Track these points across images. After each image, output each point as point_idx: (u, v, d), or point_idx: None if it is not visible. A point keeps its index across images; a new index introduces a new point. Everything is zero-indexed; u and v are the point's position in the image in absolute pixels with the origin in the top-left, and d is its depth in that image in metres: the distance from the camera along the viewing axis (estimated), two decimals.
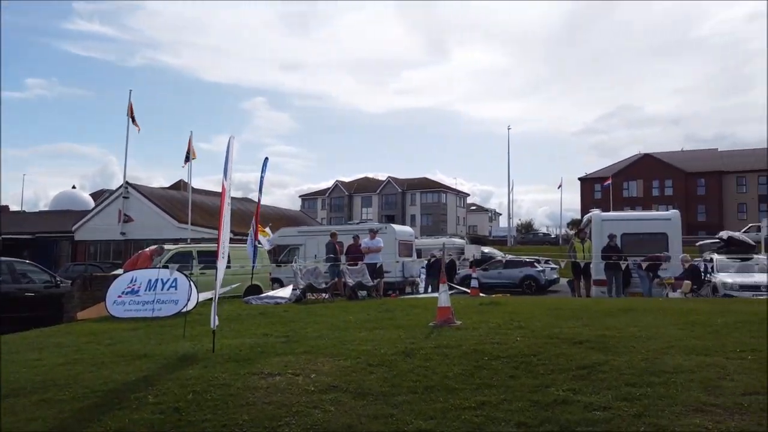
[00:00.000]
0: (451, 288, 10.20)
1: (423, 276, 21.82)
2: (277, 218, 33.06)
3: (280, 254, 22.45)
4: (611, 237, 15.43)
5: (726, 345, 5.85)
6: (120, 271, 14.39)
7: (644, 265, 14.89)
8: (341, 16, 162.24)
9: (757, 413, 4.03)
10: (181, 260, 15.04)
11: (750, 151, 67.54)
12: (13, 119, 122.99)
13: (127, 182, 29.56)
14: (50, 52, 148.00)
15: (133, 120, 25.13)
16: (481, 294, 15.17)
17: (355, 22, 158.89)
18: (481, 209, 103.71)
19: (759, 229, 25.69)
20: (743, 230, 28.37)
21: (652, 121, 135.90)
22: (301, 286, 14.45)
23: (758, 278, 14.54)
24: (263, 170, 17.11)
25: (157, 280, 11.39)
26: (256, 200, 18.68)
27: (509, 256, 29.21)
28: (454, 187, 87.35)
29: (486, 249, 36.35)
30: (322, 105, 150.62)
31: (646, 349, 5.81)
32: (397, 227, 22.82)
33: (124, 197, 29.33)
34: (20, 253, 25.49)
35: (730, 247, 17.26)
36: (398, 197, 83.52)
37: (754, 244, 18.19)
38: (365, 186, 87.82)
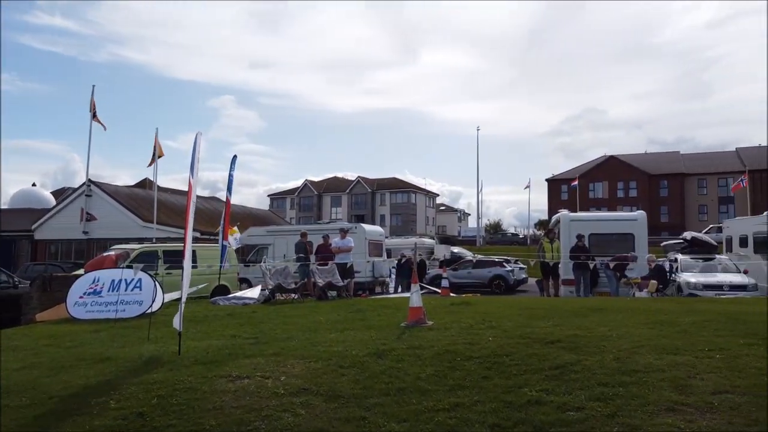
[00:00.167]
0: (421, 288, 10.15)
1: (393, 276, 21.80)
2: (246, 217, 32.59)
3: (248, 254, 22.12)
4: (579, 237, 15.61)
5: (695, 344, 5.91)
6: (81, 271, 13.97)
7: (612, 264, 15.11)
8: (311, 15, 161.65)
9: (728, 412, 4.05)
10: (146, 260, 14.67)
11: (710, 154, 69.76)
12: None
13: (89, 180, 28.75)
14: (10, 46, 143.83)
15: (95, 116, 24.42)
16: (451, 294, 15.17)
17: (325, 21, 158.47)
18: (450, 209, 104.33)
19: (719, 229, 26.38)
20: (704, 231, 29.10)
21: (615, 124, 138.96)
22: (270, 287, 14.24)
23: (720, 278, 14.90)
24: (232, 168, 16.83)
25: (120, 280, 11.08)
26: (224, 199, 18.34)
27: (479, 256, 29.38)
28: (423, 187, 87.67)
29: (455, 249, 36.50)
30: (292, 104, 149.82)
31: (617, 348, 5.84)
32: (367, 227, 22.72)
33: (86, 195, 28.51)
34: None
35: (694, 247, 17.65)
36: (368, 197, 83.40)
37: (716, 244, 18.65)
38: (335, 186, 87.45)
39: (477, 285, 23.88)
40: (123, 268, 11.86)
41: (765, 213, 17.90)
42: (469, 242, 56.16)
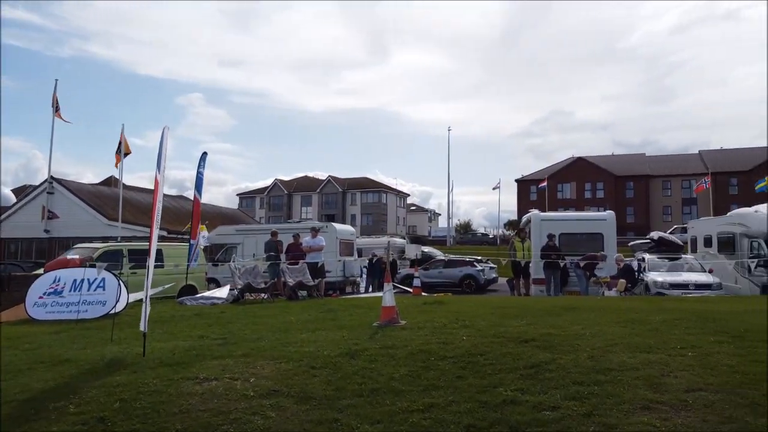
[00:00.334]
0: (394, 287, 10.06)
1: (364, 276, 21.68)
2: (214, 216, 32.07)
3: (217, 253, 21.73)
4: (550, 237, 15.72)
5: (667, 342, 5.93)
6: (41, 271, 13.50)
7: (582, 264, 15.26)
8: (283, 14, 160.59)
9: (702, 410, 4.05)
10: (111, 259, 14.27)
11: (674, 156, 71.48)
12: None
13: (51, 177, 27.91)
14: None
15: (57, 110, 23.69)
16: (423, 293, 15.12)
17: (297, 20, 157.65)
18: (420, 209, 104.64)
19: (684, 230, 26.95)
20: (669, 231, 29.67)
21: (583, 126, 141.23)
22: (239, 286, 13.99)
23: (686, 277, 15.16)
24: (202, 165, 16.43)
25: (83, 280, 10.73)
26: (192, 198, 17.94)
27: (451, 256, 29.44)
28: (394, 187, 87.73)
29: (426, 249, 36.55)
30: (262, 102, 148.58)
31: (591, 347, 5.82)
32: (338, 226, 22.55)
33: (48, 193, 27.65)
34: None
35: (661, 247, 17.94)
36: (338, 197, 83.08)
37: (682, 244, 18.99)
38: (305, 185, 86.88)
39: (448, 284, 23.90)
40: (86, 266, 11.49)
41: (729, 213, 18.32)
42: (439, 242, 56.31)
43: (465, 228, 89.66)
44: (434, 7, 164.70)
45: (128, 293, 11.03)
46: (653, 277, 15.23)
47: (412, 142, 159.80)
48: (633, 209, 64.19)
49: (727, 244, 17.43)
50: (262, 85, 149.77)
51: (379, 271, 19.91)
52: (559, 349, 5.75)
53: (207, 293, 14.79)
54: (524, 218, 19.16)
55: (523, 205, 61.22)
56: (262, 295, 14.04)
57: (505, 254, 18.21)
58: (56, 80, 25.84)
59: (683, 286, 14.51)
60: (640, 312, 8.22)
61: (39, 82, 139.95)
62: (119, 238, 20.33)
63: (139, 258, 14.70)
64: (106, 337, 7.73)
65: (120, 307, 10.38)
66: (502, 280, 23.88)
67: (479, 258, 27.01)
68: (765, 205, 17.06)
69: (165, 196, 38.03)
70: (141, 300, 8.23)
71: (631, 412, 4.05)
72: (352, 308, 10.31)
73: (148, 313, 6.49)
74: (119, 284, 10.68)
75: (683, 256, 17.37)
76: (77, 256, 13.80)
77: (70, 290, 10.64)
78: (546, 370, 5.10)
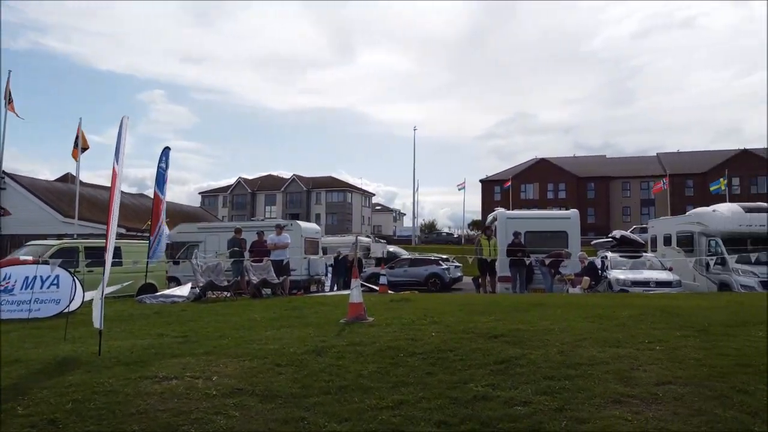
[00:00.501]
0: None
1: (329, 275, 21.46)
2: (175, 214, 31.31)
3: (178, 252, 21.18)
4: (516, 234, 15.81)
5: (634, 336, 5.96)
6: None
7: (547, 261, 15.39)
8: (247, 11, 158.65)
9: (672, 403, 4.06)
10: (66, 257, 13.73)
11: (634, 158, 73.33)
12: None
13: (3, 172, 26.82)
14: None
15: (10, 102, 22.74)
16: (389, 291, 15.02)
17: (261, 17, 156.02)
18: (386, 209, 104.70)
19: (642, 230, 27.56)
20: (629, 231, 30.30)
21: (546, 128, 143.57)
22: (201, 284, 13.63)
23: (647, 275, 15.46)
24: (163, 161, 15.91)
25: (35, 277, 10.26)
26: (152, 196, 17.39)
27: (417, 255, 29.44)
28: (359, 186, 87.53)
29: (391, 248, 36.50)
30: (225, 100, 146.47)
31: (560, 342, 5.81)
32: (302, 224, 22.25)
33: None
34: None
35: (623, 245, 18.26)
36: (303, 196, 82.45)
37: (643, 242, 19.40)
38: (269, 184, 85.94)
39: (413, 283, 23.86)
40: (39, 264, 11.00)
41: (688, 213, 18.77)
42: (404, 242, 56.38)
43: (430, 228, 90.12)
44: (400, 8, 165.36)
45: (84, 291, 10.59)
46: (616, 274, 15.48)
47: (378, 143, 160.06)
48: (594, 210, 65.51)
49: (686, 243, 17.85)
50: (225, 82, 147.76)
51: (344, 270, 19.72)
52: (528, 345, 5.71)
53: (167, 291, 14.37)
54: (490, 216, 19.25)
55: (487, 205, 61.85)
56: (225, 293, 13.72)
57: (471, 252, 18.25)
58: (9, 71, 24.83)
59: (645, 283, 14.78)
60: (606, 308, 8.28)
61: None
62: (75, 236, 19.62)
63: (96, 256, 14.21)
64: (59, 336, 7.39)
65: (75, 305, 9.96)
66: (467, 279, 23.98)
67: (445, 257, 27.06)
68: (723, 204, 17.53)
69: (125, 193, 37.12)
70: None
71: (602, 406, 4.03)
72: (318, 306, 10.13)
73: (102, 309, 6.19)
74: (74, 282, 10.25)
75: (644, 254, 17.72)
76: (30, 257, 13.22)
77: (22, 288, 10.16)
78: (516, 365, 5.05)
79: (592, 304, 9.11)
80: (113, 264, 14.38)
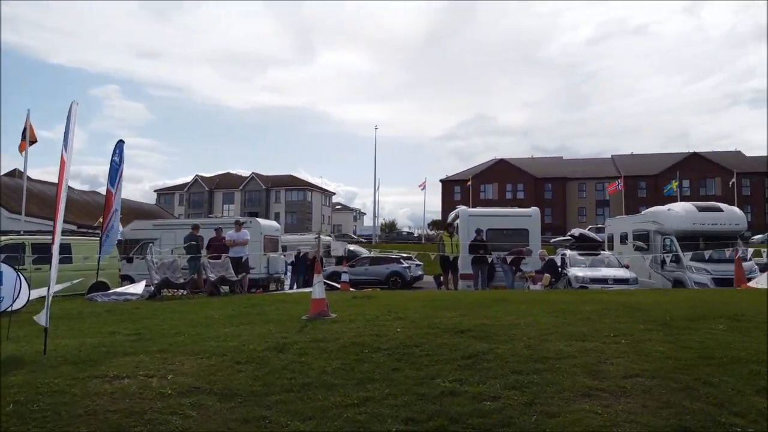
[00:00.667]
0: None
1: (289, 273, 21.15)
2: (129, 211, 30.40)
3: (132, 249, 20.50)
4: (478, 232, 15.86)
5: (599, 330, 5.96)
6: None
7: (509, 259, 15.48)
8: (204, 6, 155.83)
9: (641, 395, 4.04)
10: (12, 253, 13.08)
11: (589, 160, 75.18)
12: None
13: None
14: None
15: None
16: (351, 289, 14.85)
17: (220, 13, 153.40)
18: (346, 208, 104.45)
19: (598, 230, 28.11)
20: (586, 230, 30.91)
21: (504, 130, 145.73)
22: (156, 281, 13.18)
23: (605, 272, 15.73)
24: (116, 154, 15.23)
25: None
26: (104, 194, 16.69)
27: (378, 253, 29.32)
28: (320, 185, 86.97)
29: (351, 247, 36.35)
30: (182, 97, 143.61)
31: (527, 336, 5.75)
32: (262, 221, 21.88)
33: None
34: None
35: (582, 242, 18.56)
36: (262, 194, 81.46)
37: (601, 241, 19.76)
38: (227, 182, 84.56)
39: (374, 281, 23.74)
40: None
41: (644, 212, 19.20)
42: (364, 241, 56.25)
43: (390, 227, 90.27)
44: (361, 8, 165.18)
45: (30, 289, 10.04)
46: (575, 272, 15.70)
47: (339, 142, 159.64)
48: (551, 210, 66.64)
49: (642, 241, 18.24)
50: (182, 79, 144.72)
51: (304, 268, 19.47)
52: (495, 339, 5.64)
53: (120, 289, 13.84)
54: (452, 214, 19.28)
55: (448, 205, 62.20)
56: (181, 291, 13.31)
57: (433, 250, 18.25)
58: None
59: (603, 280, 15.04)
60: (569, 303, 8.31)
61: None
62: (22, 232, 18.78)
63: (44, 253, 13.59)
64: (2, 335, 6.95)
65: (19, 304, 9.41)
66: (428, 278, 23.99)
67: (406, 255, 27.04)
68: (678, 204, 17.98)
69: (77, 190, 35.78)
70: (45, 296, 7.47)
71: (572, 399, 3.99)
72: (279, 303, 9.88)
73: (48, 306, 5.83)
74: (18, 279, 9.70)
75: (602, 252, 18.04)
76: None
77: None
78: (484, 360, 4.96)
79: (555, 299, 9.14)
80: (63, 261, 13.77)
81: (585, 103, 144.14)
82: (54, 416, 3.84)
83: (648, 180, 63.68)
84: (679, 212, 16.88)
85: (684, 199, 35.79)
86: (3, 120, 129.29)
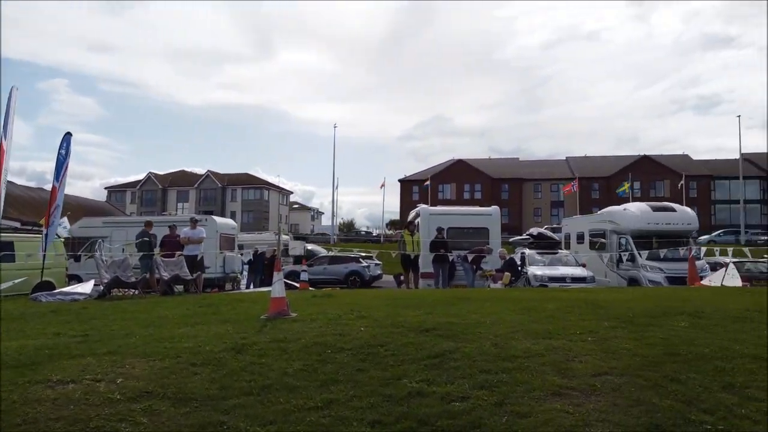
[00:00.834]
0: None
1: (246, 273, 20.71)
2: (78, 208, 29.29)
3: (80, 247, 19.68)
4: (439, 230, 15.82)
5: (565, 328, 5.91)
6: None
7: (469, 257, 15.48)
8: (159, 0, 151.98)
9: (611, 393, 3.99)
10: None
11: (544, 161, 76.77)
12: None
13: None
14: None
15: None
16: (310, 288, 14.58)
17: (176, 7, 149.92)
18: (303, 208, 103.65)
19: (553, 230, 28.59)
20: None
21: (461, 131, 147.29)
22: (106, 280, 12.62)
23: (563, 271, 15.93)
24: (63, 147, 14.55)
25: None
26: (50, 189, 15.93)
27: (338, 252, 29.07)
28: (277, 184, 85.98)
29: (310, 246, 35.99)
30: (135, 93, 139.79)
31: (494, 334, 5.65)
32: (218, 219, 21.34)
33: None
34: None
35: (540, 241, 18.77)
36: (218, 192, 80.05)
37: (558, 240, 20.03)
38: (181, 180, 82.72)
39: (333, 281, 23.51)
40: None
41: (600, 211, 19.55)
42: (322, 240, 55.85)
43: (348, 227, 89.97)
44: (320, 7, 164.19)
45: None
46: (534, 271, 15.84)
47: (297, 142, 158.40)
48: (508, 210, 67.56)
49: (599, 239, 18.57)
50: (135, 74, 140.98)
51: (261, 267, 19.08)
52: (461, 338, 5.52)
53: (67, 288, 13.19)
54: (413, 212, 19.21)
55: (406, 205, 62.33)
56: (132, 290, 12.79)
57: (393, 249, 18.13)
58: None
59: (561, 279, 15.22)
60: (532, 301, 8.29)
61: None
62: None
63: None
64: None
65: None
66: (387, 277, 23.88)
67: (365, 254, 26.89)
68: (633, 204, 18.36)
69: (21, 186, 34.22)
70: None
71: (542, 398, 3.90)
72: (236, 302, 9.55)
73: None
74: None
75: (560, 251, 18.27)
76: None
77: None
78: (451, 359, 4.83)
79: (518, 297, 9.11)
80: (5, 259, 13.10)
81: (540, 105, 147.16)
82: None
83: (601, 181, 65.31)
84: (635, 212, 17.24)
85: (635, 200, 36.76)
86: None
